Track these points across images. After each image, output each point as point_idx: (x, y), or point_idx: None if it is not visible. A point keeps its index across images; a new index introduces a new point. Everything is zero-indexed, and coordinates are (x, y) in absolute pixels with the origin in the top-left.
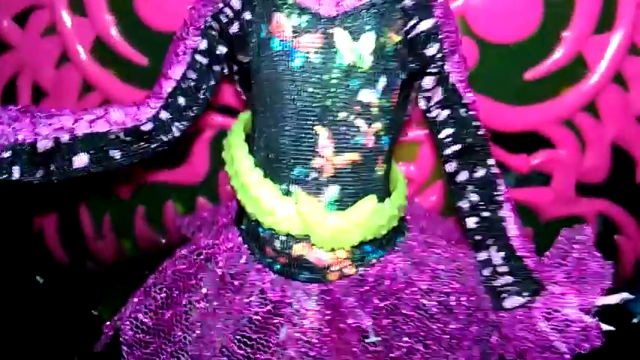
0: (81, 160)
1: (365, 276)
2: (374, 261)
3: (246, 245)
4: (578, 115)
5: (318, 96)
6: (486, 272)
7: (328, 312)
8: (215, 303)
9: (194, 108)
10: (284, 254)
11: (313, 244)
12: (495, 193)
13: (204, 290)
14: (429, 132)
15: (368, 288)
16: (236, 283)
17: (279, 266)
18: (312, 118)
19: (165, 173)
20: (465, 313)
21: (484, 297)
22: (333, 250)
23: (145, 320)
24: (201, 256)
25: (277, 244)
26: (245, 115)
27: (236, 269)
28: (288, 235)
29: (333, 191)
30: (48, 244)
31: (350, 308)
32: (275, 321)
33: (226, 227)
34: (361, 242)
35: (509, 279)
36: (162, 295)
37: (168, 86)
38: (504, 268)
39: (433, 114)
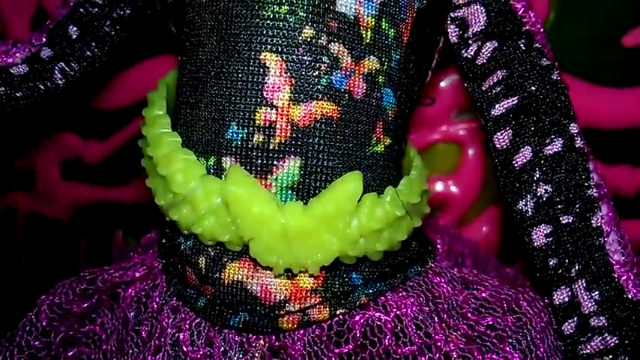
0: None
1: (347, 326)
2: (364, 300)
3: (164, 271)
4: None
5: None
6: (568, 327)
7: None
8: None
9: (92, 45)
10: (211, 281)
11: (257, 263)
12: (583, 183)
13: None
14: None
15: (351, 347)
16: (143, 332)
17: (204, 302)
18: (258, 39)
19: (114, 190)
20: None
21: None
22: (291, 274)
23: None
24: (100, 287)
25: (202, 262)
26: (168, 78)
27: (146, 309)
28: (218, 245)
29: (290, 167)
30: None
31: None
32: None
33: (147, 246)
34: (342, 264)
35: (610, 340)
36: (36, 344)
37: (60, 14)
38: (601, 320)
39: (471, 50)
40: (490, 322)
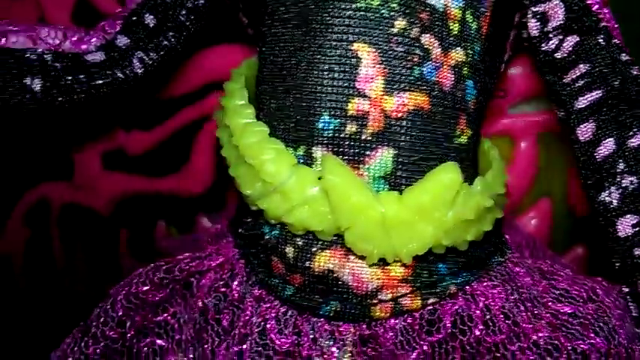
0: None
1: (439, 315)
2: (453, 289)
3: (243, 260)
4: None
5: None
6: None
7: None
8: (190, 356)
9: (169, 34)
10: (300, 270)
11: (349, 251)
12: None
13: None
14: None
15: (442, 336)
16: (224, 321)
17: (292, 291)
18: (350, 30)
19: (156, 181)
20: None
21: None
22: (382, 263)
23: None
24: (176, 277)
25: (290, 251)
26: (243, 69)
27: (225, 298)
28: (307, 234)
29: (383, 157)
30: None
31: None
32: None
33: (218, 236)
34: (430, 254)
35: None
36: (111, 334)
37: (133, 1)
38: None
39: (552, 44)
40: (571, 311)
